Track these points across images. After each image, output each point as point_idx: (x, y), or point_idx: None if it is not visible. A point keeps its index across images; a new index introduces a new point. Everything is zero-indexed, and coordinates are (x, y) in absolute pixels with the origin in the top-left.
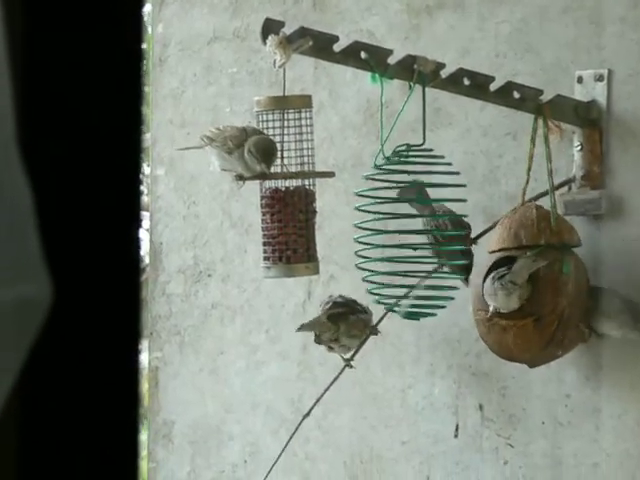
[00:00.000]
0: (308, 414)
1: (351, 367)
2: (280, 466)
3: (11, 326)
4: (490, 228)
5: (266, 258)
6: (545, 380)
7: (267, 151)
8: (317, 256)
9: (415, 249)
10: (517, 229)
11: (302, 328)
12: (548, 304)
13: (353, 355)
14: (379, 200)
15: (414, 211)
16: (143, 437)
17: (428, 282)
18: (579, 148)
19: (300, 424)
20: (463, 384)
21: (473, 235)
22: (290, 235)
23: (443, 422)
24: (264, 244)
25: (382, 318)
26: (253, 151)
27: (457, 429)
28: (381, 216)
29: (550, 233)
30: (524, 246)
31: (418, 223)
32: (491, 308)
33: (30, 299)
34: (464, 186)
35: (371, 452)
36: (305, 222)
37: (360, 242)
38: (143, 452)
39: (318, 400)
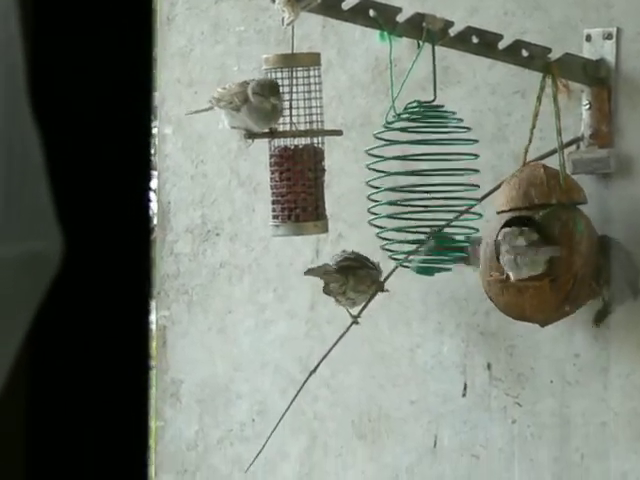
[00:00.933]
0: (314, 371)
1: (357, 323)
2: (288, 425)
3: (21, 280)
4: (495, 189)
5: (275, 216)
6: (553, 339)
7: (271, 85)
8: (326, 214)
9: (425, 206)
10: (527, 188)
11: (309, 272)
12: (563, 264)
13: (360, 311)
14: (390, 158)
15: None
16: (151, 396)
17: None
18: (587, 107)
19: (306, 381)
20: (471, 343)
21: (481, 194)
22: (299, 193)
23: (451, 381)
24: (273, 202)
25: (390, 274)
26: (258, 90)
27: (465, 388)
28: (391, 173)
29: (560, 191)
30: (535, 205)
31: (430, 180)
32: (512, 276)
33: (40, 254)
34: (476, 141)
35: (379, 411)
36: (314, 180)
37: (371, 199)
38: (151, 411)
39: (325, 357)
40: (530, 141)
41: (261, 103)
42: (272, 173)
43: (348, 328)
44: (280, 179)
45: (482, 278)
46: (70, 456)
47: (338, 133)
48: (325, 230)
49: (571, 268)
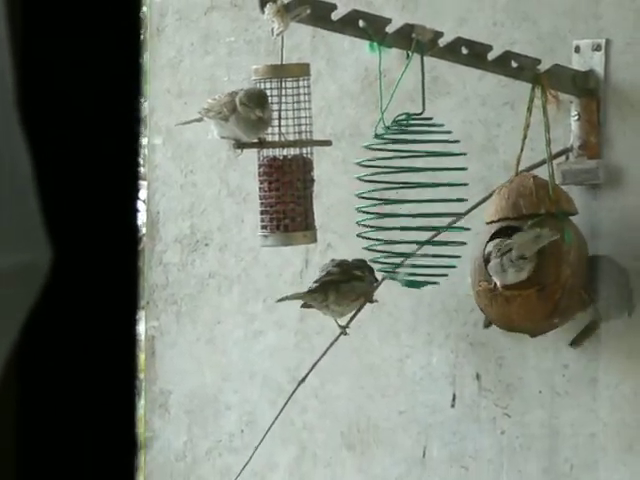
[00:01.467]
0: (303, 381)
1: (346, 334)
2: (277, 435)
3: (10, 291)
4: (485, 199)
5: (263, 227)
6: (542, 350)
7: (258, 96)
8: (315, 224)
9: (414, 217)
10: (516, 198)
11: (283, 299)
12: (552, 274)
13: (348, 322)
14: (380, 171)
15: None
16: (139, 407)
17: (429, 250)
18: (576, 118)
19: (295, 391)
20: (460, 354)
21: (470, 205)
22: (288, 204)
23: (440, 392)
24: (262, 213)
25: (378, 285)
26: (245, 101)
27: (454, 399)
28: (383, 186)
29: (549, 202)
30: (524, 215)
31: (418, 193)
32: (498, 283)
33: (30, 265)
34: (464, 154)
35: (368, 422)
36: (303, 190)
37: (362, 211)
38: (139, 422)
39: (313, 367)
40: (522, 150)
41: (247, 113)
42: (261, 183)
43: (336, 338)
44: (269, 189)
45: (473, 290)
46: (58, 467)
47: (327, 143)
48: (314, 240)
49: (559, 278)
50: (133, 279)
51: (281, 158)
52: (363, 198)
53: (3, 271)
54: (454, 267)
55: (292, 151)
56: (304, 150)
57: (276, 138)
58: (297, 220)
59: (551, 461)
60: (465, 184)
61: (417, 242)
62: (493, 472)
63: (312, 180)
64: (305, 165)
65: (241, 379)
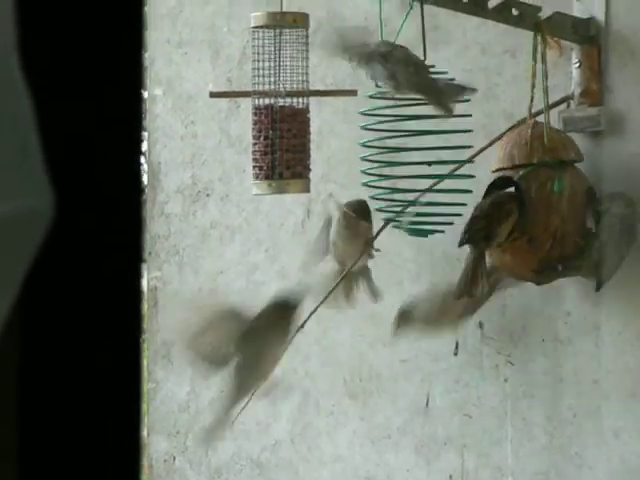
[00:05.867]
0: (302, 326)
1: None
2: (280, 384)
3: (12, 237)
4: (485, 147)
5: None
6: (545, 297)
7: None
8: (288, 174)
9: (430, 164)
10: (511, 148)
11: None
12: (540, 223)
13: (352, 266)
14: (383, 120)
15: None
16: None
17: (434, 198)
18: (577, 65)
19: (294, 336)
20: None
21: (473, 152)
22: (255, 152)
23: (443, 340)
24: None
25: (380, 230)
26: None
27: (457, 347)
28: (387, 134)
29: (543, 151)
30: (517, 165)
31: (422, 141)
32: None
33: (32, 211)
34: (468, 101)
35: (370, 370)
36: (272, 140)
37: (367, 160)
38: (143, 372)
39: (312, 313)
40: (532, 99)
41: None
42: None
43: (338, 283)
44: (253, 138)
45: None
46: (62, 419)
47: (353, 93)
48: (280, 191)
49: (549, 227)
50: (137, 229)
51: (262, 107)
52: (367, 147)
53: (2, 216)
54: (460, 215)
55: (282, 101)
56: (296, 100)
57: (272, 87)
58: (264, 169)
59: (554, 408)
60: (469, 130)
61: (420, 190)
62: (496, 420)
63: (291, 131)
64: (275, 114)
65: None
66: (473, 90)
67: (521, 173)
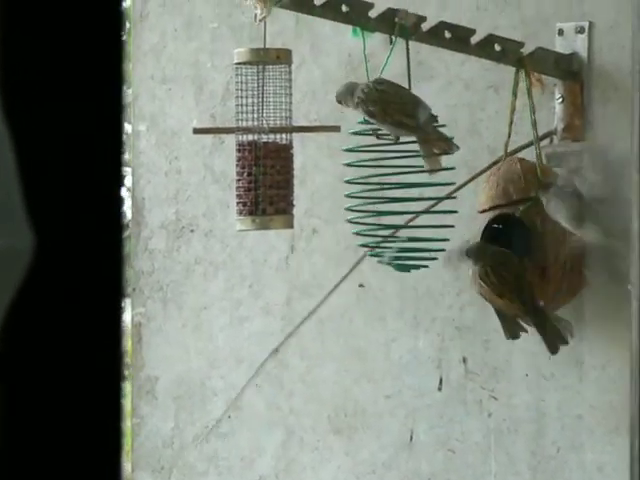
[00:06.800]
0: (277, 350)
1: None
2: (264, 420)
3: None
4: (467, 183)
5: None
6: (528, 332)
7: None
8: (271, 210)
9: (401, 201)
10: (505, 185)
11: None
12: (551, 255)
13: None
14: (367, 157)
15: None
16: (127, 393)
17: (416, 233)
18: (560, 100)
19: (266, 360)
20: (447, 337)
21: (452, 188)
22: (240, 188)
23: (427, 375)
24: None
25: (357, 264)
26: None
27: (441, 382)
28: (370, 172)
29: (538, 184)
30: (514, 201)
31: (405, 178)
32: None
33: (11, 251)
34: (451, 138)
35: (355, 406)
36: (256, 176)
37: (351, 196)
38: (127, 408)
39: (290, 335)
40: (509, 136)
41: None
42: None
43: (320, 304)
44: (236, 174)
45: (473, 284)
46: (43, 453)
47: (336, 129)
48: (264, 227)
49: (558, 258)
50: (118, 266)
51: (246, 144)
52: (352, 183)
53: None
54: (444, 250)
55: (265, 138)
56: (279, 136)
57: (256, 123)
58: (247, 205)
59: (538, 443)
60: (452, 168)
61: (403, 226)
62: (480, 455)
63: (274, 167)
64: (259, 150)
65: (227, 365)
66: (457, 147)
67: (521, 209)
